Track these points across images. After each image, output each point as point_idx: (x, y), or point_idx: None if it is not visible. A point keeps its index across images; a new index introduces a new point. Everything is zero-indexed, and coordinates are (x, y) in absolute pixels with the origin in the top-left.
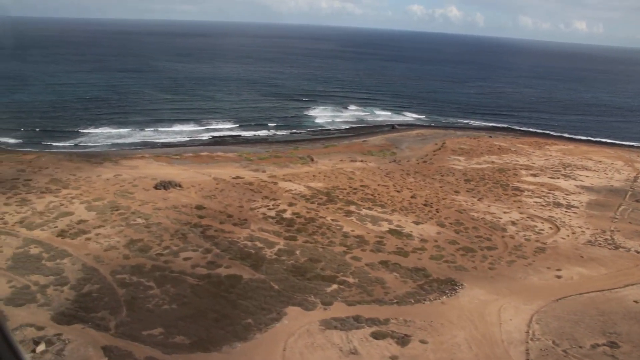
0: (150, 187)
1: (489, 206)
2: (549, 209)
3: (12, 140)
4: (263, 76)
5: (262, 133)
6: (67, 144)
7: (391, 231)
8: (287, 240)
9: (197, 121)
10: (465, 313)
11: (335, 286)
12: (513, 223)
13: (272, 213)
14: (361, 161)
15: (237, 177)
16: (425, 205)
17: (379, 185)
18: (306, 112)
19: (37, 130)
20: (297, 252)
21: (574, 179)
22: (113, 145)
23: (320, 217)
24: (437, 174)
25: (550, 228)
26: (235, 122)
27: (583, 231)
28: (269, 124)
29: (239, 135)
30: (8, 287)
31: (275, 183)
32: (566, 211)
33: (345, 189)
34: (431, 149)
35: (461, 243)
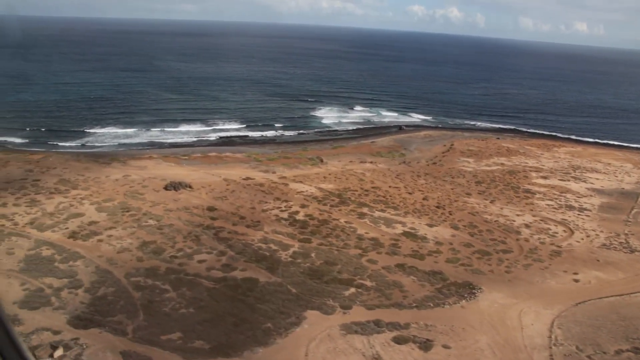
0: (160, 188)
1: (501, 209)
2: (562, 212)
3: (18, 140)
4: (267, 76)
5: (270, 134)
6: (73, 143)
7: (405, 234)
8: (301, 243)
9: (204, 121)
10: (485, 317)
11: (353, 290)
12: (526, 226)
13: (285, 215)
14: (371, 162)
15: (247, 178)
16: (437, 207)
17: (390, 187)
18: (312, 113)
19: (43, 129)
20: (313, 254)
21: (585, 182)
22: (120, 145)
23: (334, 219)
24: (447, 176)
25: (564, 231)
26: (241, 123)
27: (597, 234)
28: (276, 125)
29: (247, 136)
30: (22, 289)
31: (286, 184)
32: (579, 214)
33: (357, 191)
34: (440, 150)
35: (476, 246)
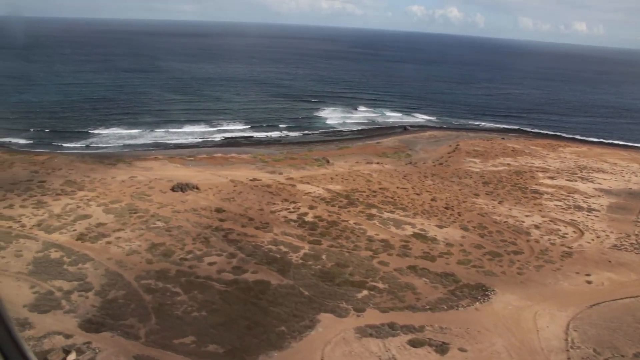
0: (167, 189)
1: (510, 209)
2: (570, 213)
3: (22, 141)
4: (269, 77)
5: (275, 134)
6: (78, 144)
7: (415, 235)
8: (311, 245)
9: (208, 122)
10: (500, 320)
11: (365, 292)
12: (536, 227)
13: (294, 216)
14: (377, 163)
15: (254, 179)
16: (446, 208)
17: (397, 187)
18: (316, 113)
19: (47, 130)
20: (323, 256)
21: (592, 182)
22: (125, 146)
23: (343, 221)
24: (454, 177)
25: (574, 232)
26: (246, 123)
27: (607, 235)
28: (280, 125)
29: (251, 137)
30: (31, 292)
31: (293, 185)
32: (587, 214)
33: (365, 192)
34: (445, 150)
35: (487, 247)
